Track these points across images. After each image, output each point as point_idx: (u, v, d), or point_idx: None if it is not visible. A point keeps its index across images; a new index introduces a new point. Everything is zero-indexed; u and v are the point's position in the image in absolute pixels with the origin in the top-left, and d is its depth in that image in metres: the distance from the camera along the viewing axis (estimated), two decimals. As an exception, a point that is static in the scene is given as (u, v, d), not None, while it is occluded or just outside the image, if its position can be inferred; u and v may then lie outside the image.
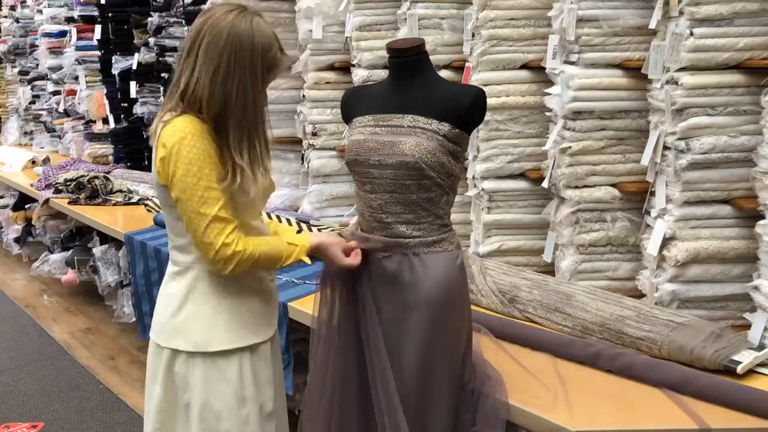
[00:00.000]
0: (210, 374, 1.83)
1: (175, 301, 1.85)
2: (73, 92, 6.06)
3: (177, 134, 1.70)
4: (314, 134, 3.66)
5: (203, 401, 1.84)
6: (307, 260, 1.88)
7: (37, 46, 6.67)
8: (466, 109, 1.82)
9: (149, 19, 4.95)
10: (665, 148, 2.36)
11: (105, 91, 5.62)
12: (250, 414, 1.87)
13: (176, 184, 1.71)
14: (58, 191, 4.81)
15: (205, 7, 4.45)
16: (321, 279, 2.02)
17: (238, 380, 1.84)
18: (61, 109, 6.35)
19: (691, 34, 2.24)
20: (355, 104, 1.99)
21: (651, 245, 2.39)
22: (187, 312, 1.83)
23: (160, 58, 4.98)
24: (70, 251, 5.11)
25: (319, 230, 3.35)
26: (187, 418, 1.88)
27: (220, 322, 1.83)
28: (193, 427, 1.86)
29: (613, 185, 2.65)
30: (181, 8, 4.75)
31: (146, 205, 4.34)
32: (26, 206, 5.93)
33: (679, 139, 2.30)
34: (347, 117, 2.01)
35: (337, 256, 1.88)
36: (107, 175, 4.80)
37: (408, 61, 1.87)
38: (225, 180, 1.73)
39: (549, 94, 2.69)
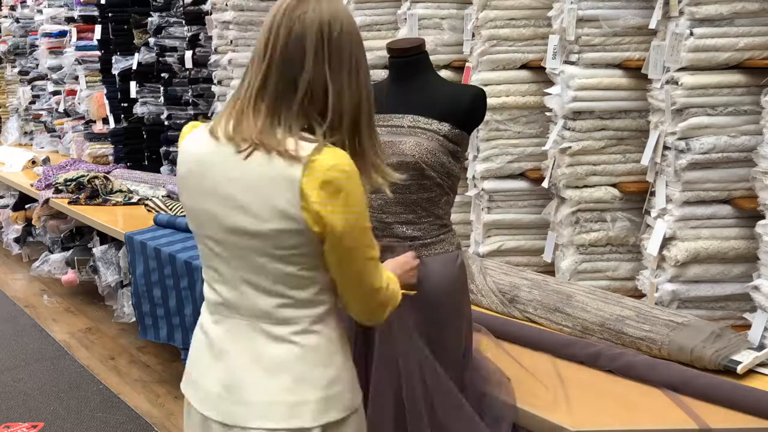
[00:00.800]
0: (361, 429, 1.55)
1: (310, 368, 1.45)
2: (73, 92, 6.06)
3: (343, 174, 1.35)
4: (314, 134, 3.66)
5: None
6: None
7: (37, 46, 6.67)
8: (466, 109, 1.82)
9: (149, 19, 4.96)
10: (665, 148, 2.36)
11: (105, 91, 5.62)
12: None
13: (348, 233, 1.37)
14: (58, 191, 4.80)
15: (206, 7, 4.45)
16: None
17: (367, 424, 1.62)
18: (61, 109, 6.35)
19: (691, 34, 2.24)
20: (355, 104, 1.98)
21: (651, 245, 2.39)
22: (333, 374, 1.47)
23: (160, 58, 4.99)
24: (70, 251, 5.12)
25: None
26: None
27: (353, 370, 1.55)
28: None
29: (613, 185, 2.66)
30: (181, 8, 4.75)
31: (146, 205, 4.34)
32: (26, 206, 5.93)
33: (679, 139, 2.30)
34: (347, 117, 2.01)
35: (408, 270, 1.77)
36: (107, 175, 4.80)
37: (408, 61, 1.87)
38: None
39: (549, 94, 2.69)
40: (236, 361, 1.47)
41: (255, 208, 1.37)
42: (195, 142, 1.47)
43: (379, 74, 3.28)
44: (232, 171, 1.39)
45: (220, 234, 1.43)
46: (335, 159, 1.35)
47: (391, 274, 1.54)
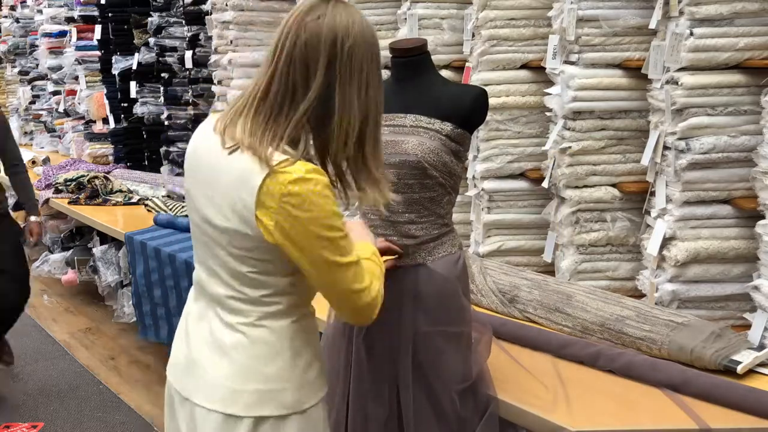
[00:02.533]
0: (304, 430, 1.54)
1: (252, 360, 1.48)
2: (73, 92, 6.07)
3: (306, 189, 1.34)
4: (314, 134, 3.65)
5: None
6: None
7: (37, 46, 6.68)
8: (468, 109, 1.82)
9: (149, 19, 4.96)
10: (665, 148, 2.36)
11: (105, 91, 5.63)
12: None
13: (309, 245, 1.37)
14: (58, 191, 4.81)
15: (206, 7, 4.45)
16: None
17: (324, 429, 1.60)
18: (61, 109, 6.35)
19: (691, 34, 2.24)
20: (356, 104, 1.98)
21: (651, 245, 2.39)
22: (273, 371, 1.48)
23: (160, 58, 4.99)
24: (70, 251, 5.12)
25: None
26: None
27: (308, 372, 1.53)
28: None
29: (613, 185, 2.66)
30: (181, 8, 4.75)
31: (146, 205, 4.34)
32: (26, 206, 5.93)
33: (679, 139, 2.30)
34: (348, 117, 2.01)
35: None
36: (107, 175, 4.81)
37: (411, 62, 1.87)
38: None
39: (549, 94, 2.70)
40: (196, 338, 1.54)
41: (221, 203, 1.41)
42: (201, 129, 1.51)
43: (379, 74, 3.28)
44: (215, 164, 1.42)
45: (197, 218, 1.49)
46: (302, 173, 1.33)
47: (369, 267, 1.50)
